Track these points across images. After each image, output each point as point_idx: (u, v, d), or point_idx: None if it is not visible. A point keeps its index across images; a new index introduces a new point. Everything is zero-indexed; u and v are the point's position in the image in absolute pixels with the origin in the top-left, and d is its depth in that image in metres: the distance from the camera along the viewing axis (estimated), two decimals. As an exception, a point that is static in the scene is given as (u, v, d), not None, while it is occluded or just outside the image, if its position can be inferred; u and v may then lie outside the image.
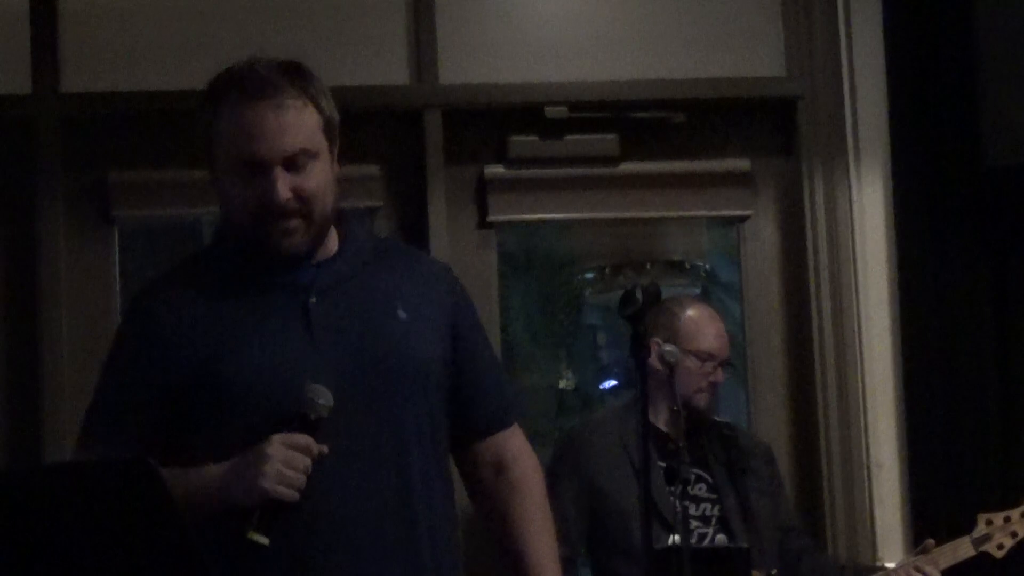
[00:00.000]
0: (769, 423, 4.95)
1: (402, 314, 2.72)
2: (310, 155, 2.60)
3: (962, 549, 4.26)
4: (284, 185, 2.57)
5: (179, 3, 4.96)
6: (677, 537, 3.85)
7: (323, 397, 2.55)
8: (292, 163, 2.60)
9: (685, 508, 3.93)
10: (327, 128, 2.67)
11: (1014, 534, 4.30)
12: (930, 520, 4.62)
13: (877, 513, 4.81)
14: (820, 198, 4.94)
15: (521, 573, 2.88)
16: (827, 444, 4.83)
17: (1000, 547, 4.30)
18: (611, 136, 4.89)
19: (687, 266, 5.68)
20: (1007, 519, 4.29)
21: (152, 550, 2.49)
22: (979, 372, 4.83)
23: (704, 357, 4.37)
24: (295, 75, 2.68)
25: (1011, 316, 4.92)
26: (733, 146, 5.07)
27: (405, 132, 4.94)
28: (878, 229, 4.95)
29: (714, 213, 5.28)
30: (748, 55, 5.04)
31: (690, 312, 4.37)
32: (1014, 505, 4.36)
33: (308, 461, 2.55)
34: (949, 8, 4.84)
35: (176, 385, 2.66)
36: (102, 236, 4.85)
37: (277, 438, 2.52)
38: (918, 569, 4.34)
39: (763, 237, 5.10)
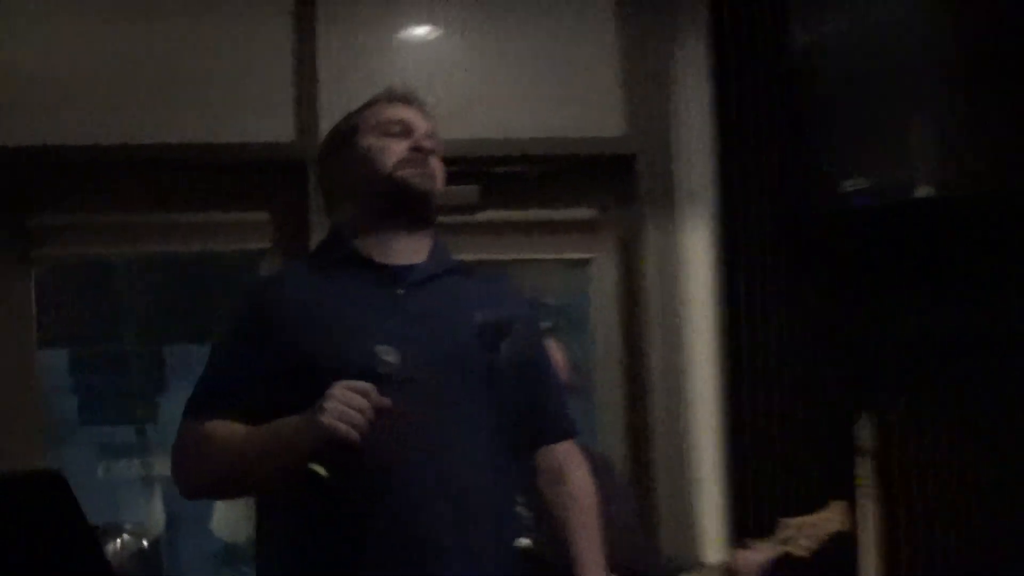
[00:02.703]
0: (610, 440, 5.21)
1: (479, 317, 2.94)
2: (436, 144, 3.07)
3: (764, 550, 4.37)
4: (426, 135, 3.00)
5: (96, 59, 5.06)
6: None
7: (390, 355, 2.74)
8: (429, 136, 3.04)
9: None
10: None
11: (813, 535, 4.37)
12: (745, 523, 4.85)
13: (701, 520, 5.12)
14: (655, 243, 5.22)
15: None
16: (658, 458, 5.12)
17: (802, 547, 4.37)
18: (472, 187, 5.03)
19: (541, 304, 5.79)
20: (806, 524, 4.40)
21: (61, 558, 2.82)
22: (792, 395, 5.06)
23: None
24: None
25: (824, 344, 5.17)
26: (580, 197, 5.35)
27: (290, 183, 5.07)
28: (704, 270, 5.20)
29: (563, 256, 5.54)
30: (593, 116, 5.27)
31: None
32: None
33: (366, 403, 2.67)
34: (773, 68, 5.11)
35: (283, 365, 2.88)
36: (20, 277, 4.97)
37: (339, 383, 2.69)
38: None
39: (606, 278, 5.32)
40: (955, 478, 5.13)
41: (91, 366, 7.64)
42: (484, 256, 5.12)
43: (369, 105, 3.10)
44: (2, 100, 4.89)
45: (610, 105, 5.35)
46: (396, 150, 2.95)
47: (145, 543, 6.39)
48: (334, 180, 3.14)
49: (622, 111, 5.34)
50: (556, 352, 4.37)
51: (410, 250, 2.98)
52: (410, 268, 2.95)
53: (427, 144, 2.98)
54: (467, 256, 5.02)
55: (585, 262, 5.42)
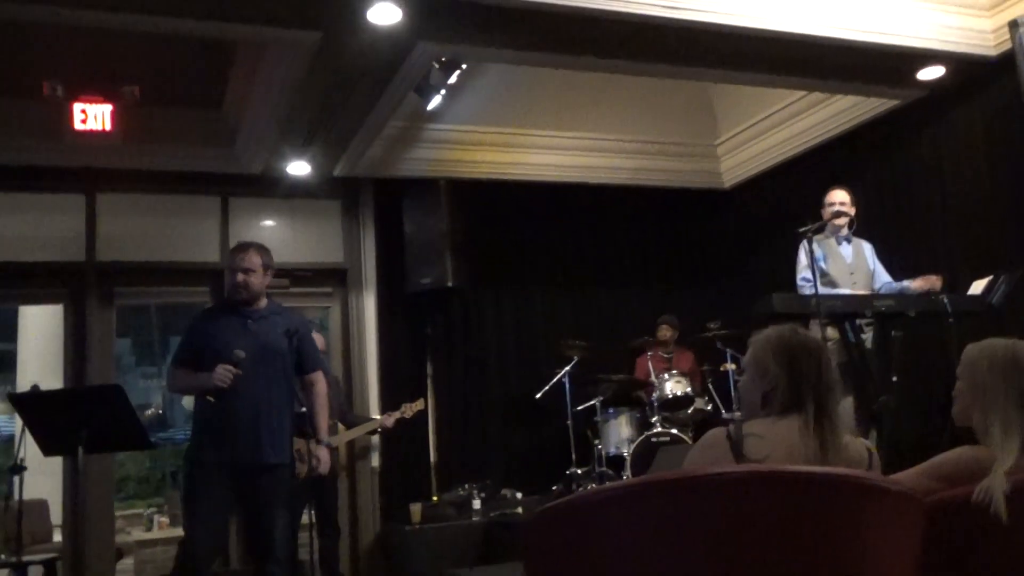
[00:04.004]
0: (336, 372, 6.10)
1: (281, 331, 3.55)
2: (251, 270, 3.52)
3: (395, 415, 5.62)
4: (240, 276, 3.48)
5: (160, 228, 5.85)
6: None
7: (241, 352, 3.36)
8: (245, 271, 3.50)
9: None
10: (264, 264, 3.55)
11: (414, 409, 5.67)
12: (388, 406, 5.97)
13: (372, 403, 6.21)
14: (353, 303, 6.36)
15: (313, 428, 3.71)
16: (355, 385, 6.24)
17: (408, 415, 5.58)
18: (285, 280, 5.77)
19: (316, 322, 6.65)
20: (410, 405, 5.70)
21: (119, 429, 3.33)
22: (406, 357, 6.37)
23: None
24: (257, 245, 3.63)
25: (427, 365, 6.44)
26: (325, 283, 6.48)
27: (217, 277, 5.84)
28: (372, 314, 6.42)
29: (320, 305, 6.60)
30: (331, 253, 6.46)
31: (315, 337, 4.41)
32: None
33: (230, 375, 3.32)
34: (398, 236, 6.28)
35: (200, 350, 3.51)
36: (109, 310, 5.86)
37: (220, 366, 3.37)
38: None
39: (336, 314, 6.52)
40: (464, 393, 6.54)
41: (138, 344, 8.68)
42: (294, 305, 5.41)
43: (234, 250, 3.67)
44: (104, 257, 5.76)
45: (337, 250, 6.53)
46: (232, 281, 3.62)
47: (160, 411, 7.79)
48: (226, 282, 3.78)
49: (342, 252, 6.51)
50: (319, 338, 5.23)
51: (255, 305, 3.59)
52: (255, 311, 3.60)
53: (241, 279, 3.53)
54: (285, 304, 5.09)
55: (328, 307, 6.57)
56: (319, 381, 3.69)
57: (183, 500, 3.52)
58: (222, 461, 3.38)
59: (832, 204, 4.76)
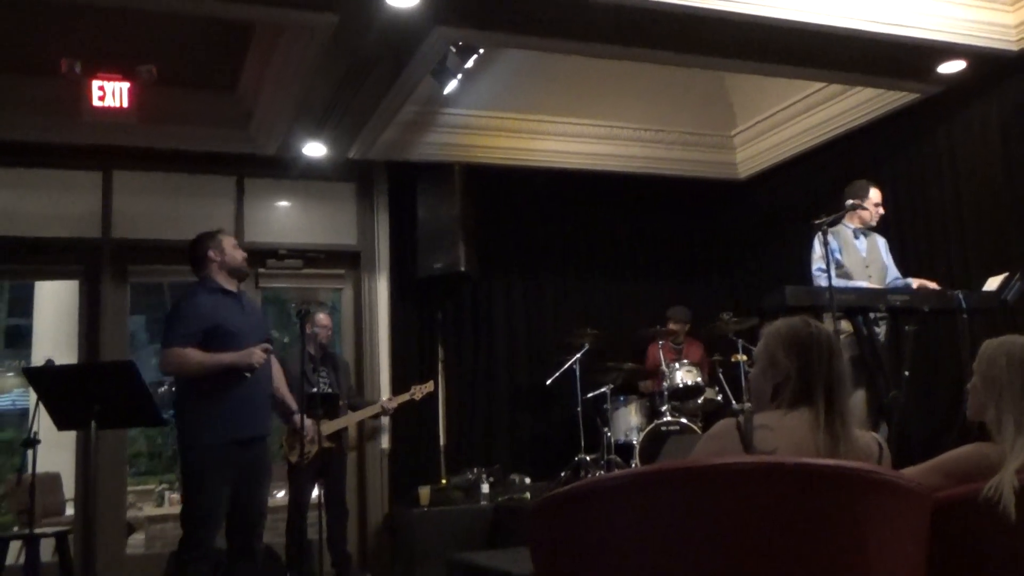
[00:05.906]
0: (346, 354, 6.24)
1: (257, 310, 3.90)
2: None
3: (401, 397, 5.61)
4: (245, 257, 3.69)
5: (182, 211, 5.83)
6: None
7: (275, 333, 3.90)
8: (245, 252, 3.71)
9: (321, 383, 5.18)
10: None
11: (423, 391, 5.65)
12: (397, 388, 5.93)
13: (379, 386, 6.26)
14: (366, 284, 6.40)
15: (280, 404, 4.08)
16: (365, 363, 6.27)
17: (417, 397, 5.58)
18: (299, 260, 6.24)
19: (327, 304, 6.96)
20: (420, 387, 5.67)
21: (131, 404, 3.37)
22: (412, 338, 6.28)
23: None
24: None
25: (438, 350, 6.38)
26: (339, 264, 6.45)
27: None
28: (384, 295, 6.43)
29: (333, 286, 6.63)
30: (344, 236, 6.46)
31: (319, 316, 5.34)
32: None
33: (264, 355, 3.53)
34: (411, 223, 6.28)
35: (210, 329, 3.53)
36: (123, 287, 5.90)
37: (260, 347, 3.51)
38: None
39: (348, 295, 6.52)
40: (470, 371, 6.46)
41: (152, 321, 8.61)
42: (306, 285, 6.44)
43: (220, 232, 3.78)
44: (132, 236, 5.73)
45: (351, 232, 6.52)
46: (240, 260, 3.77)
47: (173, 388, 6.71)
48: (205, 259, 3.69)
49: (356, 235, 6.51)
50: (325, 317, 5.44)
51: (234, 287, 3.74)
52: (238, 293, 3.74)
53: (246, 259, 3.79)
54: (298, 284, 6.33)
55: (340, 288, 6.57)
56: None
57: (195, 482, 3.47)
58: (238, 438, 3.46)
59: (878, 205, 4.79)
